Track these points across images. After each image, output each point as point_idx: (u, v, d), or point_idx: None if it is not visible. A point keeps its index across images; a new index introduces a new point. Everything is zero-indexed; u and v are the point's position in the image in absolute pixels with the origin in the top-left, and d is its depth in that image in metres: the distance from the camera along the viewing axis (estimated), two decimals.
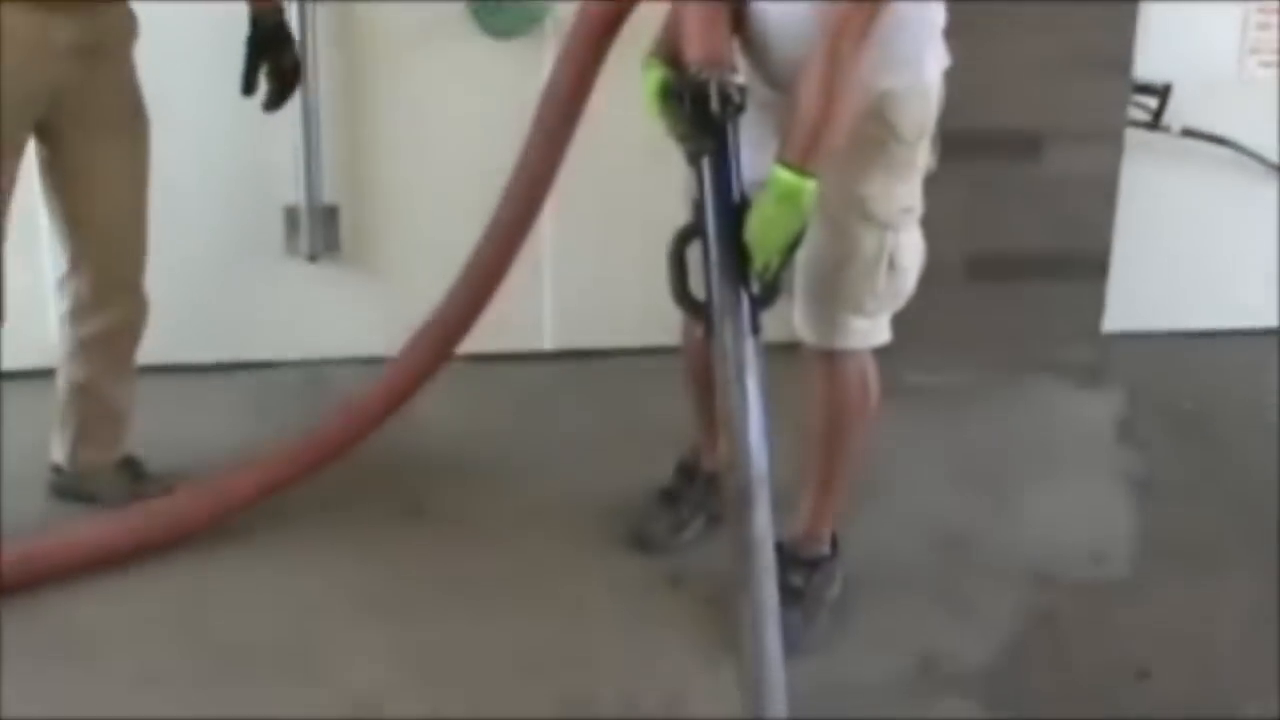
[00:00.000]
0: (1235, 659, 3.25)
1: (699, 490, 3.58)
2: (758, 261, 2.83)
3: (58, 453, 3.68)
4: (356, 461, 3.67)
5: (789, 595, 3.15)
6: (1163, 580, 3.51)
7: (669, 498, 3.62)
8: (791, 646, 3.01)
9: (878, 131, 2.99)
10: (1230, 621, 3.37)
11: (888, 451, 3.60)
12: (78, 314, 3.55)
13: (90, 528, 3.46)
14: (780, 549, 3.00)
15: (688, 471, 3.63)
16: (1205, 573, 3.53)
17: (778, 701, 2.85)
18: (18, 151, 3.29)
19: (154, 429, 3.79)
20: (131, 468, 3.69)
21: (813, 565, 3.32)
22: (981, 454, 3.98)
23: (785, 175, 2.80)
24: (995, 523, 3.70)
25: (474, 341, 3.57)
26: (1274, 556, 3.53)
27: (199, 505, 3.52)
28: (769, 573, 2.86)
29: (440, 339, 3.52)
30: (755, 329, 2.85)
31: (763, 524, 2.85)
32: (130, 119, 3.45)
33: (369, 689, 3.10)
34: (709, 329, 2.88)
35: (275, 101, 3.54)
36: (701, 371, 3.11)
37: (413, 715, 3.05)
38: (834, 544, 3.38)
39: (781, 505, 2.97)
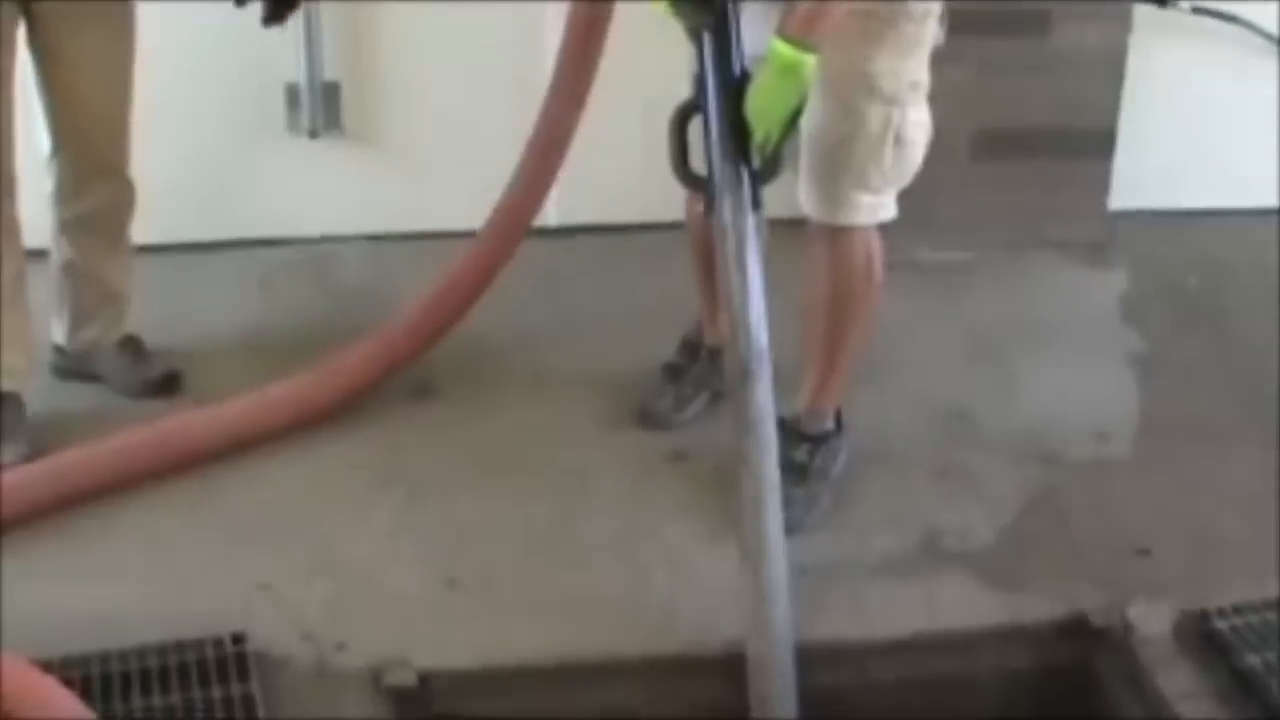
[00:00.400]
0: (1235, 538, 3.25)
1: (703, 366, 3.57)
2: (757, 135, 2.79)
3: (58, 333, 3.67)
4: (356, 341, 3.67)
5: (793, 471, 3.15)
6: (1165, 458, 3.51)
7: (673, 373, 3.61)
8: (795, 522, 3.01)
9: (885, 7, 2.95)
10: (1231, 500, 3.37)
11: (892, 328, 3.58)
12: (62, 196, 3.53)
13: (213, 414, 3.45)
14: (784, 425, 3.00)
15: (691, 347, 3.62)
16: (1207, 451, 3.53)
17: (780, 577, 2.85)
18: (10, 47, 3.25)
19: (157, 308, 3.78)
20: (133, 347, 3.68)
21: (817, 441, 3.32)
22: (986, 331, 3.97)
23: (785, 49, 2.76)
24: (999, 400, 3.70)
25: (479, 218, 3.55)
26: (1275, 435, 3.52)
27: (324, 388, 3.52)
28: (770, 449, 2.85)
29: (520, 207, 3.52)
30: (756, 204, 2.83)
31: (763, 400, 2.83)
32: (113, 2, 3.40)
33: (374, 561, 3.12)
34: (709, 204, 2.85)
35: (274, 16, 3.48)
36: (704, 247, 3.09)
37: (418, 588, 3.06)
38: (838, 420, 3.37)
39: (786, 381, 2.96)
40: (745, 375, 2.82)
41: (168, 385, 3.63)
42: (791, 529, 2.94)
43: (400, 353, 3.59)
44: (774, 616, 2.84)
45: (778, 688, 2.84)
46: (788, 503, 2.93)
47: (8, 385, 3.39)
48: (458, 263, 3.59)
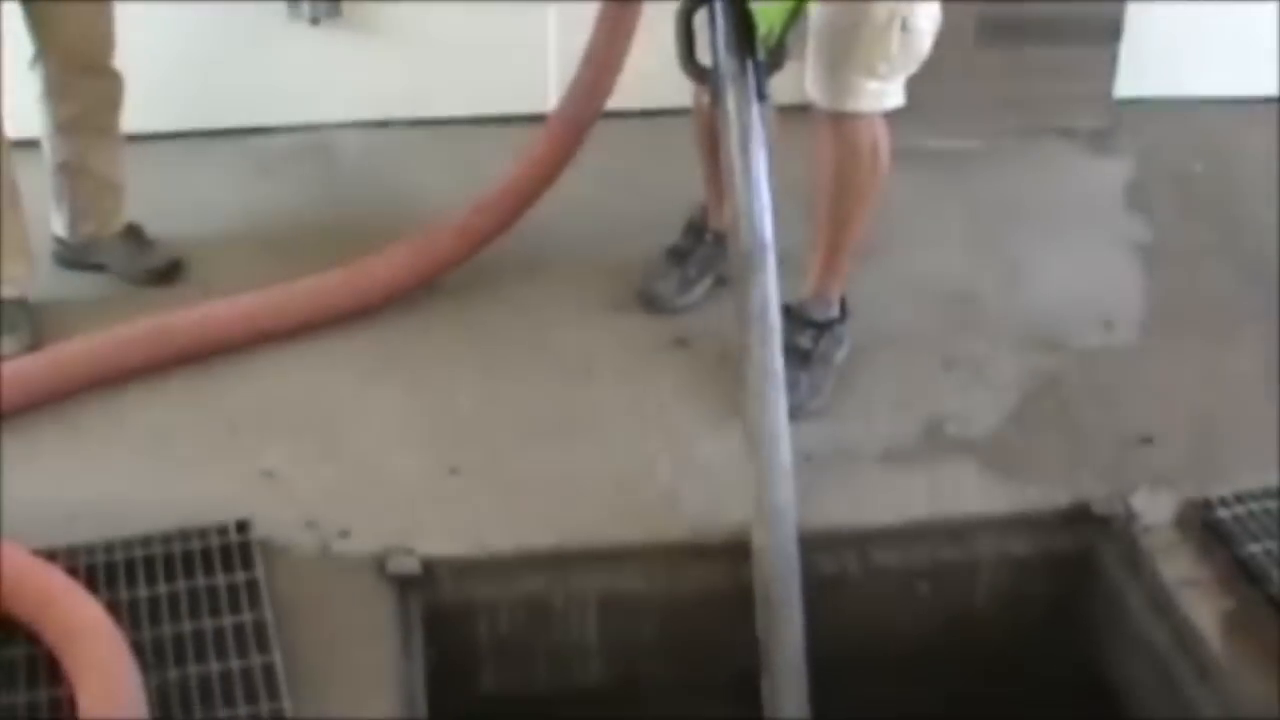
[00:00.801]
0: (1239, 426, 3.22)
1: (707, 249, 3.54)
2: (762, 26, 2.75)
3: (58, 226, 3.62)
4: (358, 228, 3.63)
5: (796, 357, 3.14)
6: (1169, 346, 3.48)
7: (677, 256, 3.58)
8: (798, 408, 3.00)
9: None
10: (1235, 389, 3.34)
11: (897, 215, 3.54)
12: (51, 98, 3.48)
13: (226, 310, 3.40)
14: (788, 311, 2.98)
15: (696, 230, 3.58)
16: (1212, 339, 3.49)
17: (783, 469, 2.83)
18: None
19: (158, 196, 3.74)
20: (134, 236, 3.64)
21: (821, 327, 3.30)
22: (991, 218, 3.93)
23: None
24: (1003, 287, 3.67)
25: (481, 104, 3.50)
26: (1278, 324, 3.49)
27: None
28: (774, 341, 2.83)
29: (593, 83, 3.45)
30: (761, 95, 2.79)
31: (766, 292, 2.81)
32: None
33: (377, 448, 3.10)
34: (715, 96, 2.81)
35: None
36: (710, 137, 3.05)
37: (421, 475, 3.04)
38: (843, 308, 3.34)
39: (791, 268, 2.93)
40: (748, 267, 2.79)
41: (170, 273, 3.60)
42: (795, 414, 2.93)
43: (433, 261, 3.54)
44: (777, 508, 2.82)
45: (781, 577, 2.82)
46: (791, 388, 2.91)
47: (9, 292, 3.37)
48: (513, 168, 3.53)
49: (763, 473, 2.82)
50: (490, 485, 3.04)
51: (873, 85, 3.06)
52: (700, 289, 3.53)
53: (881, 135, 3.14)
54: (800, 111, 3.13)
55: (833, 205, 3.20)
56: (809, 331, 3.28)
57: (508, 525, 2.94)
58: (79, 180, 3.57)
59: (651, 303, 3.53)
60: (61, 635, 2.51)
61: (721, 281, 3.44)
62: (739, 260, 2.81)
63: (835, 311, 3.33)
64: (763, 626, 2.83)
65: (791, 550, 2.82)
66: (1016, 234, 3.86)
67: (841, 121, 3.11)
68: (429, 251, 3.51)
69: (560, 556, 2.92)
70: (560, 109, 3.50)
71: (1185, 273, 3.75)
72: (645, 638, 3.01)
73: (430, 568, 2.85)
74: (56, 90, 3.46)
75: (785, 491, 2.82)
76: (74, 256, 3.63)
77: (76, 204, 3.59)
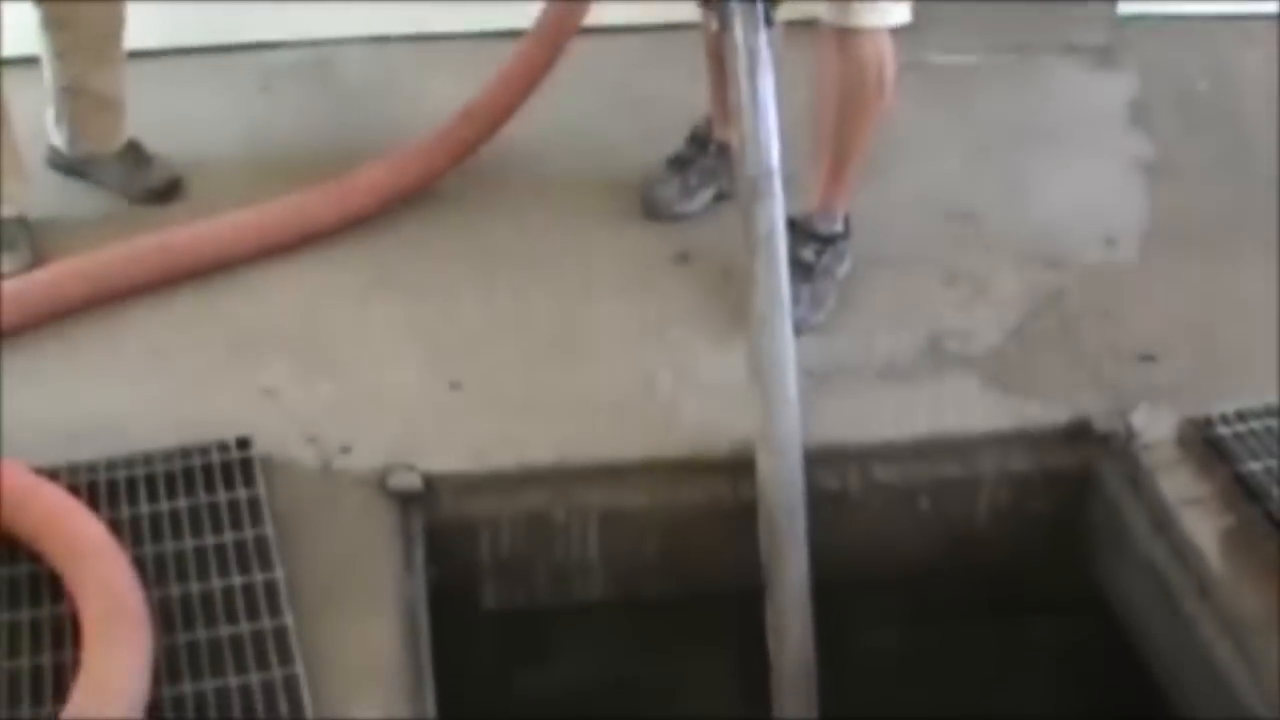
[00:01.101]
0: (1240, 344, 3.19)
1: (710, 159, 3.50)
2: None
3: (57, 139, 3.57)
4: (359, 145, 3.58)
5: (799, 270, 3.12)
6: (1172, 264, 3.44)
7: (679, 164, 3.54)
8: (799, 322, 2.98)
9: None
10: (1237, 307, 3.30)
11: (899, 131, 3.49)
12: (49, 26, 3.42)
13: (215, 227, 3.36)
14: (793, 224, 2.94)
15: (700, 140, 3.54)
16: (1215, 257, 3.45)
17: (789, 396, 2.80)
18: None
19: (159, 113, 3.67)
20: (134, 154, 3.57)
21: (824, 241, 3.27)
22: (993, 135, 3.87)
23: None
24: (1006, 204, 3.62)
25: (482, 20, 3.45)
26: None
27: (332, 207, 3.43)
28: (780, 266, 2.78)
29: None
30: (768, 21, 2.73)
31: (772, 218, 2.76)
32: None
33: (378, 365, 3.07)
34: (723, 21, 2.76)
35: None
36: (718, 61, 3.00)
37: (422, 391, 3.02)
38: (846, 224, 3.31)
39: (795, 181, 2.89)
40: (754, 193, 2.75)
41: (169, 192, 3.54)
42: (796, 328, 2.89)
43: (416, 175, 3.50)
44: (782, 437, 2.79)
45: (786, 507, 2.80)
46: (792, 302, 2.87)
47: (7, 211, 3.32)
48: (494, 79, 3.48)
49: (768, 401, 2.79)
50: (491, 401, 3.01)
51: (879, 1, 3.01)
52: (701, 198, 3.49)
53: (887, 51, 3.09)
54: (806, 27, 3.08)
55: (838, 121, 3.16)
56: (812, 245, 3.24)
57: (509, 441, 2.91)
58: (79, 101, 3.51)
59: (652, 208, 3.49)
60: (64, 553, 2.49)
61: (722, 195, 3.41)
62: (745, 186, 2.77)
63: (839, 226, 3.30)
64: (767, 554, 2.82)
65: (796, 480, 2.80)
66: (1018, 150, 3.81)
67: (847, 37, 3.07)
68: (417, 160, 3.48)
69: (561, 472, 2.90)
70: (543, 13, 3.45)
71: (1188, 190, 3.70)
72: (646, 553, 3.00)
73: (431, 483, 2.83)
74: (56, 20, 3.40)
75: (790, 420, 2.80)
76: (70, 167, 3.58)
77: (76, 123, 3.54)
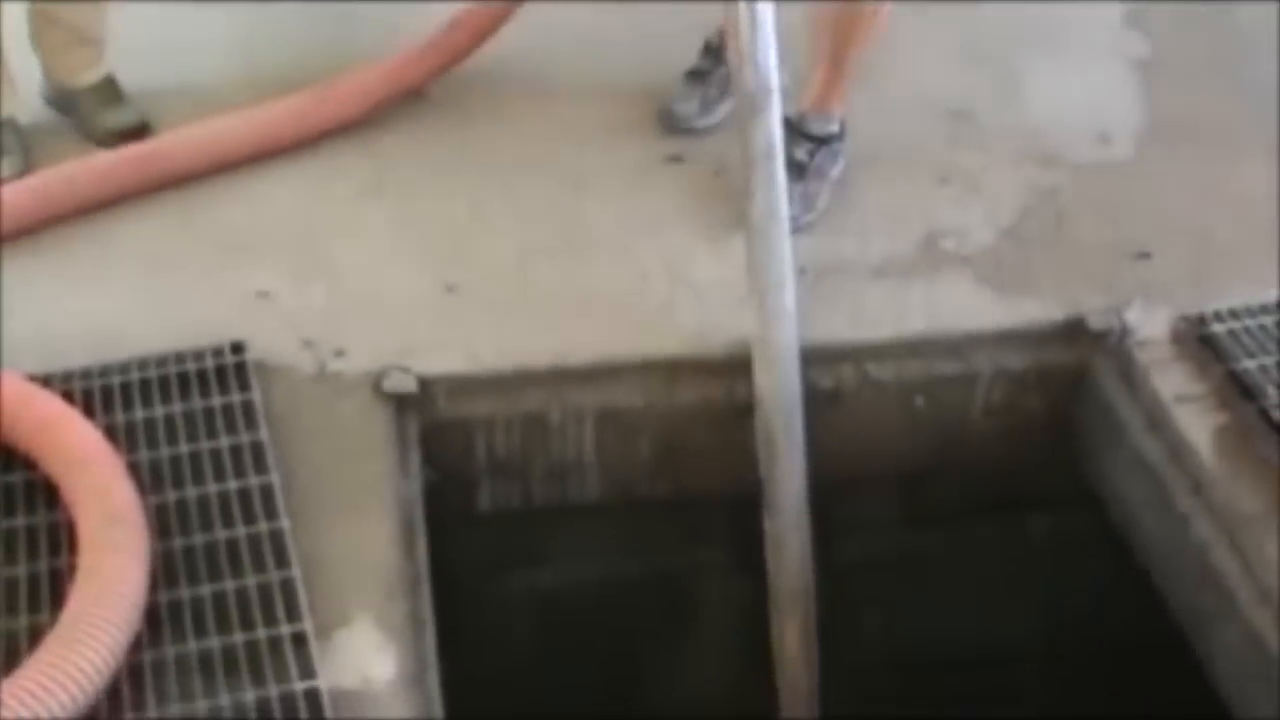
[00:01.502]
0: (1235, 242, 3.15)
1: (726, 70, 3.42)
2: None
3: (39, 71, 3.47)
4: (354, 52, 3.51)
5: (792, 169, 3.04)
6: (1167, 161, 3.39)
7: (696, 77, 3.47)
8: (790, 220, 2.93)
9: None
10: (1232, 204, 3.26)
11: (893, 30, 3.39)
12: None
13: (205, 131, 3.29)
14: (787, 123, 2.89)
15: (715, 52, 3.46)
16: (1210, 154, 3.40)
17: (788, 308, 2.77)
18: None
19: (136, 48, 3.51)
20: (109, 89, 3.43)
21: (819, 141, 3.22)
22: (988, 33, 3.80)
23: None
24: (1000, 101, 3.57)
25: None
26: (1278, 139, 3.39)
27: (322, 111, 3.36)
28: (778, 183, 2.74)
29: None
30: None
31: (771, 133, 2.71)
32: None
33: (372, 267, 3.04)
34: None
35: None
36: None
37: (416, 293, 2.99)
38: (842, 125, 3.26)
39: (792, 81, 2.84)
40: (753, 109, 2.70)
41: (135, 135, 3.35)
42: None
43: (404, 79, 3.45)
44: (781, 353, 2.77)
45: (785, 423, 2.78)
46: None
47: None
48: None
49: (766, 316, 2.76)
50: (486, 302, 2.98)
51: None
52: (722, 110, 3.40)
53: None
54: None
55: (836, 23, 3.12)
56: (806, 145, 3.20)
57: (504, 342, 2.88)
58: (53, 31, 3.36)
59: (671, 121, 3.43)
60: (59, 460, 2.46)
61: None
62: (743, 101, 2.72)
63: (835, 127, 3.25)
64: (765, 467, 2.80)
65: (795, 395, 2.77)
66: (1013, 48, 3.74)
67: None
68: (408, 64, 3.43)
69: (556, 372, 2.87)
70: None
71: (1184, 88, 3.63)
72: (642, 453, 2.97)
73: (427, 385, 2.80)
74: None
75: (789, 334, 2.77)
76: (52, 100, 3.46)
77: (46, 53, 3.40)
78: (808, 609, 2.87)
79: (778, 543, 2.83)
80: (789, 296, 2.76)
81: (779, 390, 2.76)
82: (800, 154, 3.17)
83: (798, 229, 3.05)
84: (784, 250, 2.75)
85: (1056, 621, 3.36)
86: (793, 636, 2.87)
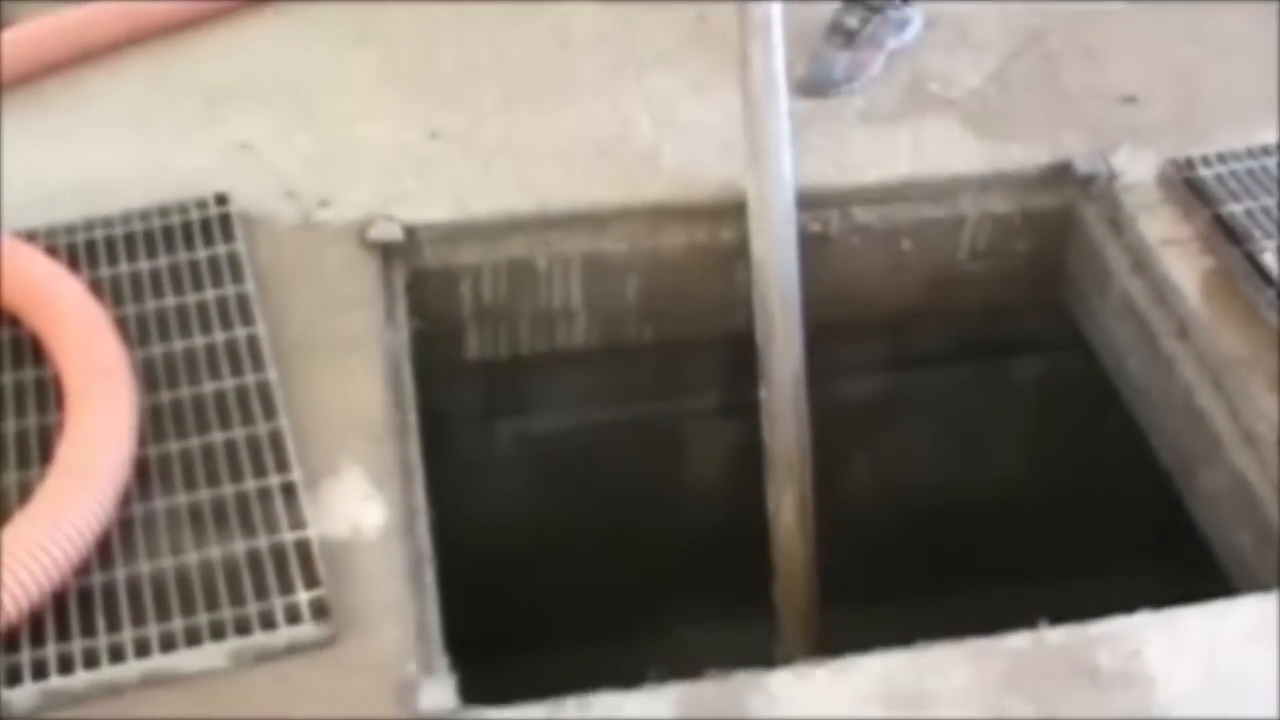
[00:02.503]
0: (1223, 86, 3.07)
1: None
2: None
3: None
4: None
5: (839, 35, 3.06)
6: (1154, 5, 3.29)
7: None
8: (828, 84, 2.98)
9: None
10: (1221, 48, 3.17)
11: None
12: None
13: None
14: None
15: None
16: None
17: (785, 175, 2.71)
18: None
19: None
20: None
21: (872, 9, 3.12)
22: None
23: None
24: None
25: None
26: None
27: None
28: (776, 51, 2.65)
29: None
30: None
31: (768, 7, 2.63)
32: None
33: (355, 116, 2.96)
34: None
35: None
36: None
37: (400, 141, 2.91)
38: None
39: None
40: None
41: None
42: (823, 90, 2.94)
43: None
44: (777, 219, 2.71)
45: (781, 291, 2.73)
46: (829, 65, 2.91)
47: None
48: None
49: (762, 183, 2.69)
50: (471, 150, 2.90)
51: None
52: None
53: None
54: None
55: None
56: (859, 11, 3.10)
57: (489, 189, 2.81)
58: None
59: None
60: (44, 316, 2.40)
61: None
62: None
63: None
64: (763, 338, 2.75)
65: (791, 261, 2.72)
66: None
67: None
68: None
69: (543, 219, 2.80)
70: None
71: None
72: (629, 299, 2.91)
73: (412, 234, 2.73)
74: None
75: (786, 204, 2.70)
76: None
77: None
78: (804, 480, 2.82)
79: (774, 417, 2.78)
80: (786, 164, 2.69)
81: (775, 260, 2.71)
82: (851, 20, 3.09)
83: (835, 94, 3.00)
84: (781, 119, 2.68)
85: (1045, 463, 3.34)
86: (789, 507, 2.83)
